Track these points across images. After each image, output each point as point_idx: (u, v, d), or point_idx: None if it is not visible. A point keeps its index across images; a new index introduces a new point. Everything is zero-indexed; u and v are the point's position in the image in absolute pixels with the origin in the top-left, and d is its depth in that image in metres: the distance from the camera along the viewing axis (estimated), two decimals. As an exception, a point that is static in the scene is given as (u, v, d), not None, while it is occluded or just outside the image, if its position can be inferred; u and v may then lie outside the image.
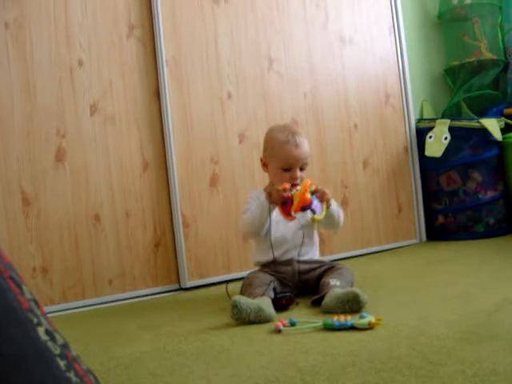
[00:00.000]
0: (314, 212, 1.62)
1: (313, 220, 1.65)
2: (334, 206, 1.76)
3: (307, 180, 1.63)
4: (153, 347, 1.32)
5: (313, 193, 1.63)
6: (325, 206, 1.67)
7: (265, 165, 1.84)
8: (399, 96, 2.76)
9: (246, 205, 1.82)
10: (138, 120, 2.14)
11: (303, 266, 1.76)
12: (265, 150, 1.84)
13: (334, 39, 2.60)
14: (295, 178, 1.75)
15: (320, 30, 2.56)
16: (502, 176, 2.77)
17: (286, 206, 1.62)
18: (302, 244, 1.77)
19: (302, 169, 1.77)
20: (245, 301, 1.45)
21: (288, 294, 1.61)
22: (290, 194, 1.62)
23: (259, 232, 1.74)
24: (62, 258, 1.97)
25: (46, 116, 1.98)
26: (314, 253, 1.84)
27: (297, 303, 1.62)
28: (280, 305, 1.56)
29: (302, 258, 1.79)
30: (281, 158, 1.76)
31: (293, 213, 1.62)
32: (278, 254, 1.77)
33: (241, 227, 1.84)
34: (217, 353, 1.21)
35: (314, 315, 1.47)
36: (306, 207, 1.60)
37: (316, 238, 1.88)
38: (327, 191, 1.67)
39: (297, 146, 1.74)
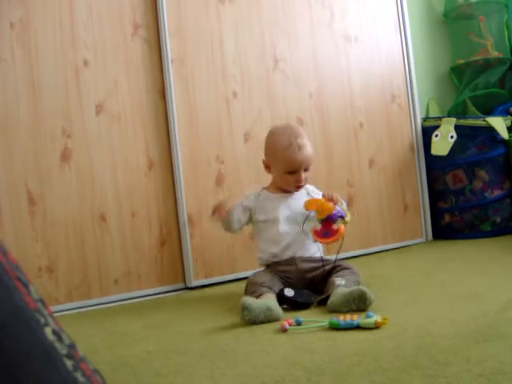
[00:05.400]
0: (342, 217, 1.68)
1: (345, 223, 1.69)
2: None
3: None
4: (158, 347, 1.32)
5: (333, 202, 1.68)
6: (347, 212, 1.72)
7: (267, 167, 1.84)
8: (405, 94, 2.75)
9: (238, 201, 1.85)
10: (143, 119, 2.14)
11: (307, 265, 1.75)
12: (267, 153, 1.84)
13: (339, 38, 2.59)
14: (300, 181, 1.77)
15: (325, 28, 2.56)
16: (509, 174, 2.76)
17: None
18: (303, 239, 1.77)
19: (306, 170, 1.78)
20: (253, 301, 1.44)
21: (293, 296, 1.59)
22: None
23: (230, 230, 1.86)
24: (67, 258, 1.98)
25: (52, 116, 1.98)
26: (315, 250, 1.81)
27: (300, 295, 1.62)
28: (287, 305, 1.56)
29: (304, 256, 1.77)
30: (284, 163, 1.76)
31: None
32: (278, 249, 1.76)
33: None
34: (222, 352, 1.21)
35: (320, 314, 1.47)
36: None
37: None
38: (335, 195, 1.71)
39: (300, 148, 1.74)
